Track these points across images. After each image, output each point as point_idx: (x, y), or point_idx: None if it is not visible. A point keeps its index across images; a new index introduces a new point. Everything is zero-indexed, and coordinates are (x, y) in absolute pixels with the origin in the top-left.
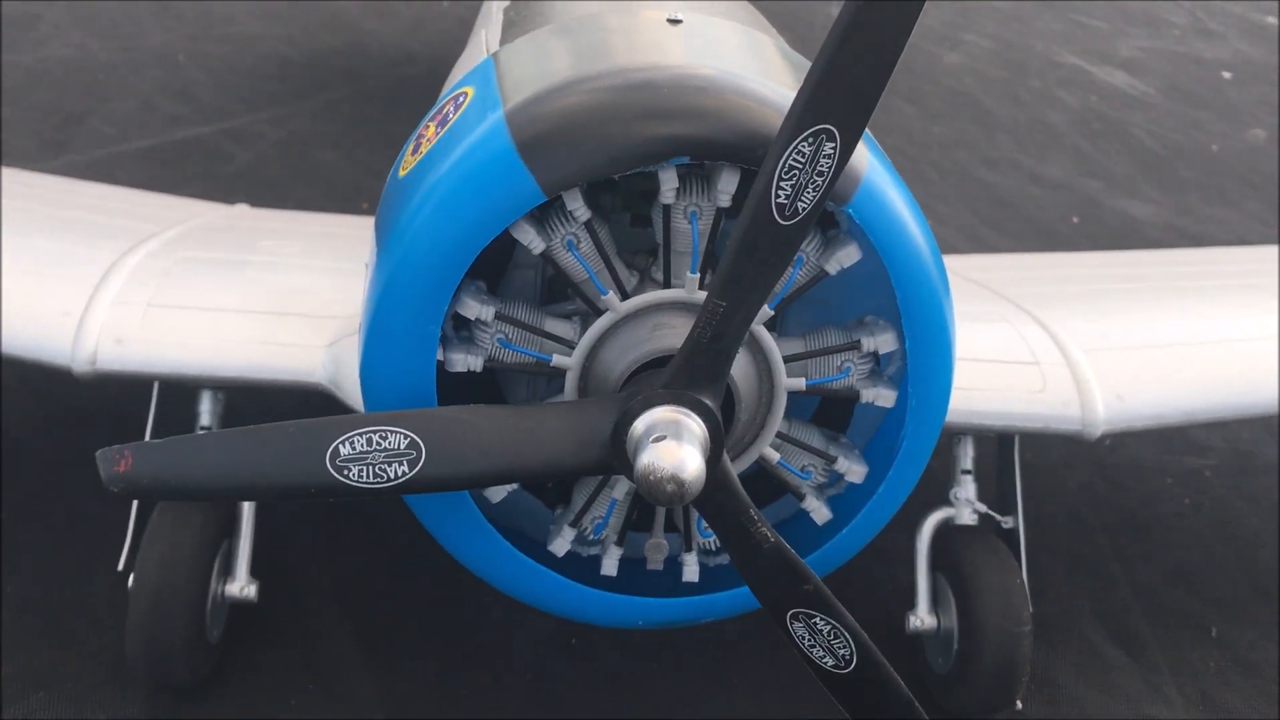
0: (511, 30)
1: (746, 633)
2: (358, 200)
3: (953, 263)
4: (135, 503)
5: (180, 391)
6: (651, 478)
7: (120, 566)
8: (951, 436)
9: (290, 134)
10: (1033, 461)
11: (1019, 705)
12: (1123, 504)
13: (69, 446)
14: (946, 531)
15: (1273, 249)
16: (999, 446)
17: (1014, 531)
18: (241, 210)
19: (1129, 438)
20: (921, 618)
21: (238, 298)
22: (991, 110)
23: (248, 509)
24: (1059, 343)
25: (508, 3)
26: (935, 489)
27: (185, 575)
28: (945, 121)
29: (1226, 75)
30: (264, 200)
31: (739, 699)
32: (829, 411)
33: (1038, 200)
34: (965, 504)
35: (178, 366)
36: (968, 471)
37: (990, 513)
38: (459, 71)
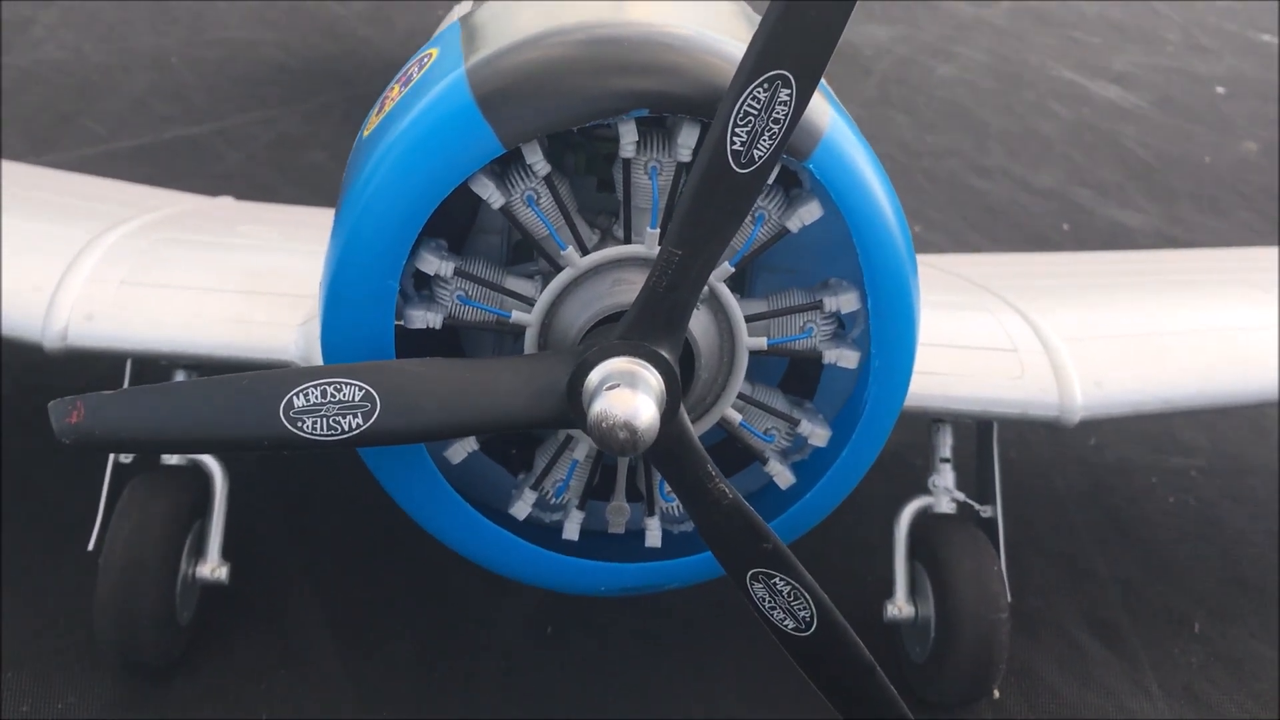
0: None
1: (722, 624)
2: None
3: (938, 260)
4: (107, 481)
5: (155, 372)
6: (604, 424)
7: (90, 547)
8: (930, 424)
9: (281, 135)
10: (1019, 460)
11: (996, 694)
12: (1109, 503)
13: (41, 432)
14: (925, 520)
15: (1260, 249)
16: (978, 435)
17: (993, 520)
18: (225, 201)
19: (1116, 439)
20: (899, 606)
21: (212, 277)
22: (985, 121)
23: (220, 487)
24: (1038, 331)
25: None
26: (914, 478)
27: (155, 555)
28: (938, 131)
29: (1220, 90)
30: (253, 197)
31: (714, 688)
32: (795, 379)
33: (1028, 208)
34: (944, 492)
35: (149, 343)
36: (946, 460)
37: (969, 501)
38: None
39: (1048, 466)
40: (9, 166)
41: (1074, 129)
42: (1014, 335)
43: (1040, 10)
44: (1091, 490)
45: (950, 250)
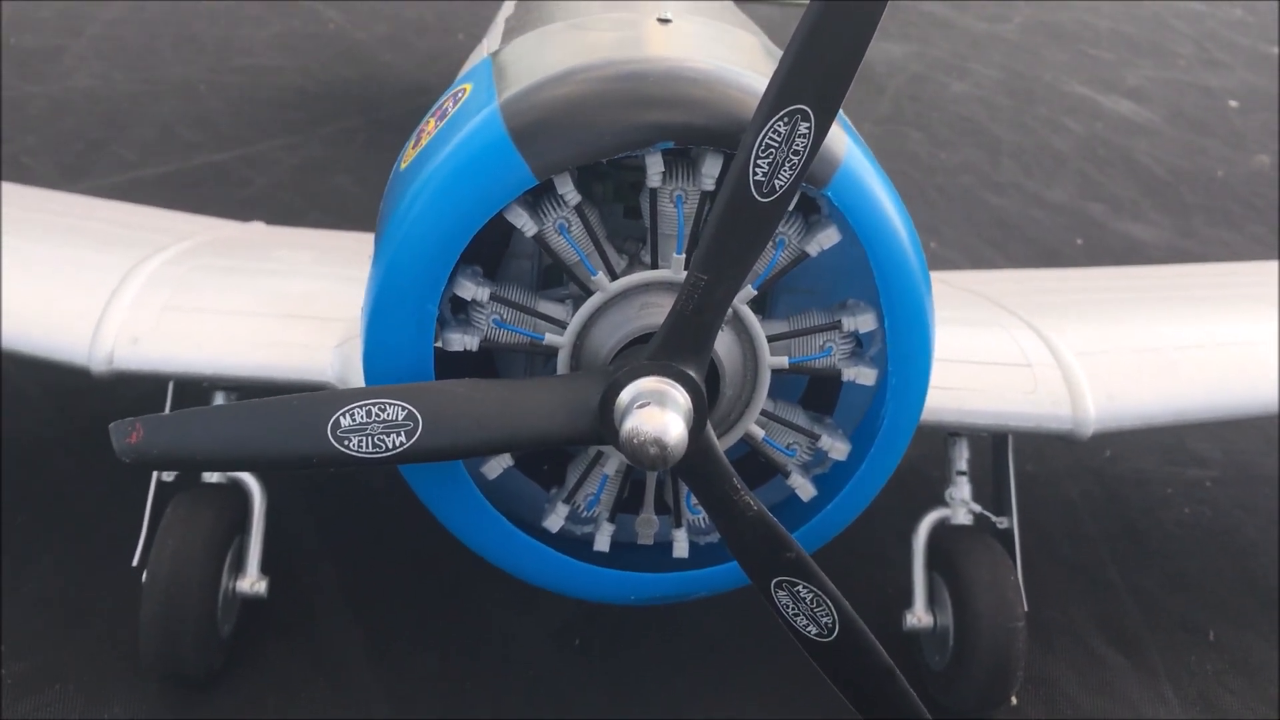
0: (511, 35)
1: (746, 638)
2: (370, 222)
3: (953, 277)
4: (150, 499)
5: (195, 394)
6: (635, 441)
7: (135, 562)
8: (946, 438)
9: (306, 160)
10: (1035, 472)
11: (1014, 701)
12: (1123, 514)
13: (87, 451)
14: (942, 531)
15: (1269, 263)
16: (994, 448)
17: (1009, 531)
18: (257, 226)
19: (1131, 451)
20: (918, 616)
21: (250, 302)
22: (998, 137)
23: (258, 505)
24: (1051, 346)
25: (510, 10)
26: (932, 491)
27: (197, 571)
28: (952, 148)
29: (1233, 104)
30: (280, 222)
31: (738, 698)
32: (816, 396)
33: (1041, 223)
34: (961, 504)
35: (191, 366)
36: (963, 473)
37: (985, 513)
38: (467, 65)
39: (1063, 479)
40: (49, 195)
41: (1087, 144)
42: (1028, 350)
43: (1053, 26)
44: (1107, 502)
45: (964, 265)
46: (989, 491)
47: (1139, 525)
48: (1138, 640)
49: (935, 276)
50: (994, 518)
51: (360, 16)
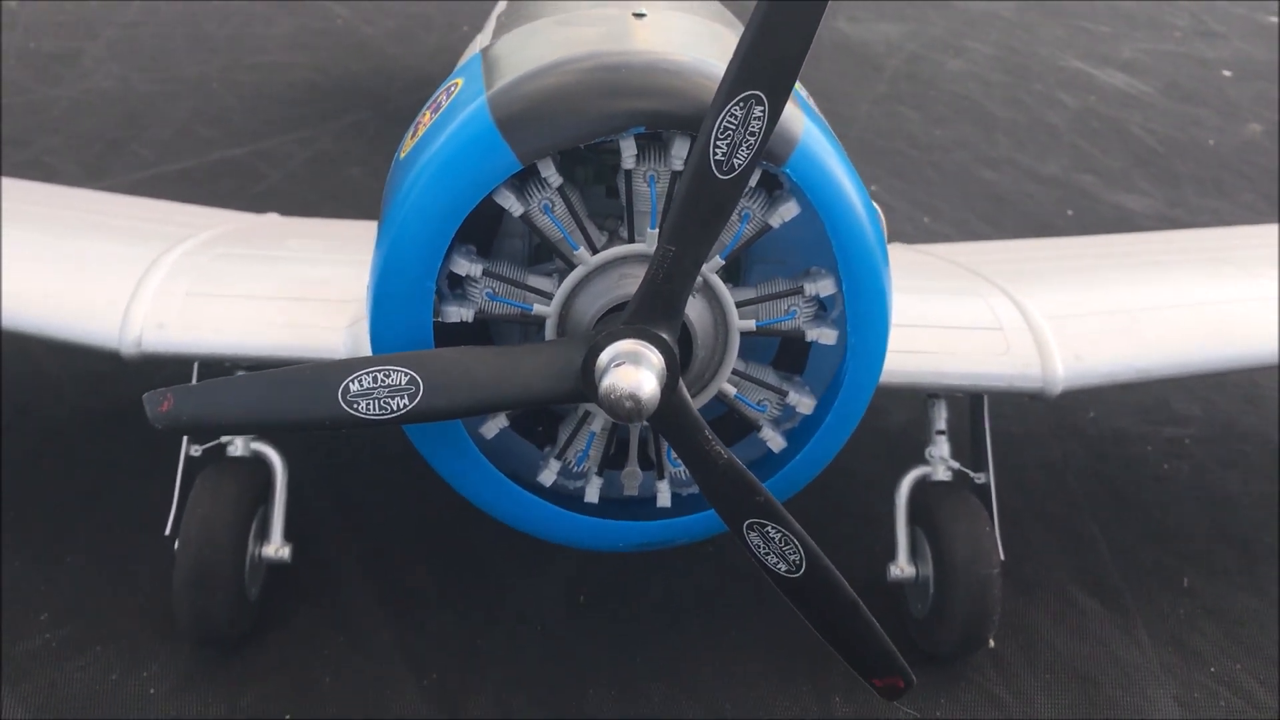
0: (501, 31)
1: (740, 588)
2: (380, 212)
3: (938, 249)
4: (180, 473)
5: (218, 374)
6: (613, 396)
7: (167, 532)
8: (926, 399)
9: (318, 153)
10: (1020, 434)
11: (992, 644)
12: (1104, 471)
13: (119, 432)
14: (923, 488)
15: (1237, 229)
16: (970, 408)
17: (985, 486)
18: (272, 218)
19: (1113, 411)
20: (901, 567)
21: (267, 287)
22: (993, 113)
23: (280, 476)
24: (1023, 311)
25: (503, 7)
26: (913, 450)
27: (225, 539)
28: (947, 125)
29: (1227, 74)
30: (295, 213)
31: (734, 645)
32: (788, 357)
33: (1034, 196)
34: (940, 462)
35: (214, 348)
36: (942, 432)
37: (964, 469)
38: (462, 61)
39: (1048, 439)
40: (77, 193)
41: (1080, 118)
42: (1001, 315)
43: (1049, 2)
44: (1089, 460)
45: (958, 239)
46: (969, 450)
47: (1119, 482)
48: (1114, 589)
49: (920, 249)
50: (972, 474)
51: (368, 12)
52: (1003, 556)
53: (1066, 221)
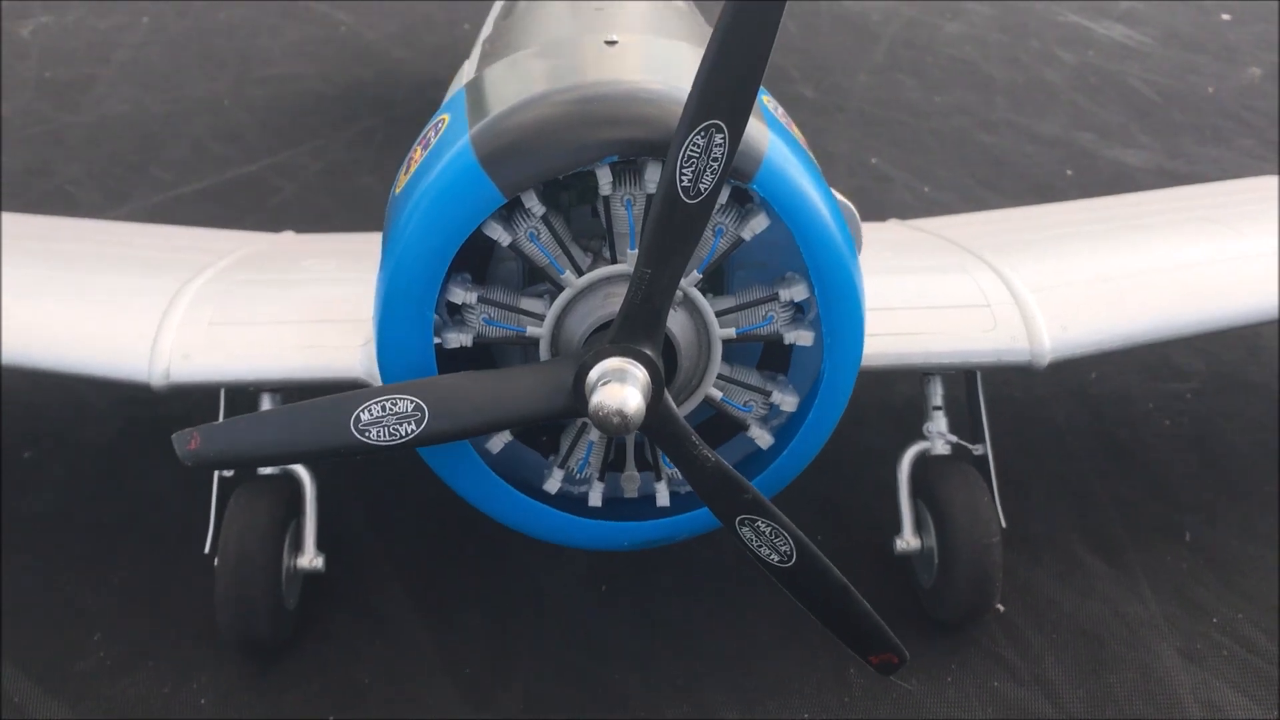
0: (485, 61)
1: (753, 574)
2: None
3: (928, 223)
4: (214, 494)
5: (244, 397)
6: (601, 413)
7: (206, 549)
8: (922, 378)
9: (330, 164)
10: (1023, 399)
11: (1000, 608)
12: (1107, 431)
13: (156, 454)
14: (923, 462)
15: (1221, 184)
16: (965, 382)
17: (984, 457)
18: (287, 236)
19: (1115, 370)
20: (907, 540)
21: (284, 311)
22: (991, 75)
23: (309, 490)
24: (1010, 285)
25: (489, 30)
26: (919, 422)
27: (261, 551)
28: (945, 90)
29: (1226, 17)
30: (310, 226)
31: (750, 630)
32: (772, 357)
33: (1033, 157)
34: (938, 436)
35: (238, 374)
36: (939, 408)
37: (961, 443)
38: (450, 93)
39: (1050, 402)
40: (97, 225)
41: (1079, 73)
42: (988, 291)
43: None
44: (1092, 420)
45: (958, 206)
46: (968, 422)
47: (1121, 440)
48: (1118, 546)
49: (914, 225)
50: (970, 446)
51: (369, 16)
52: (1004, 524)
53: (1066, 182)
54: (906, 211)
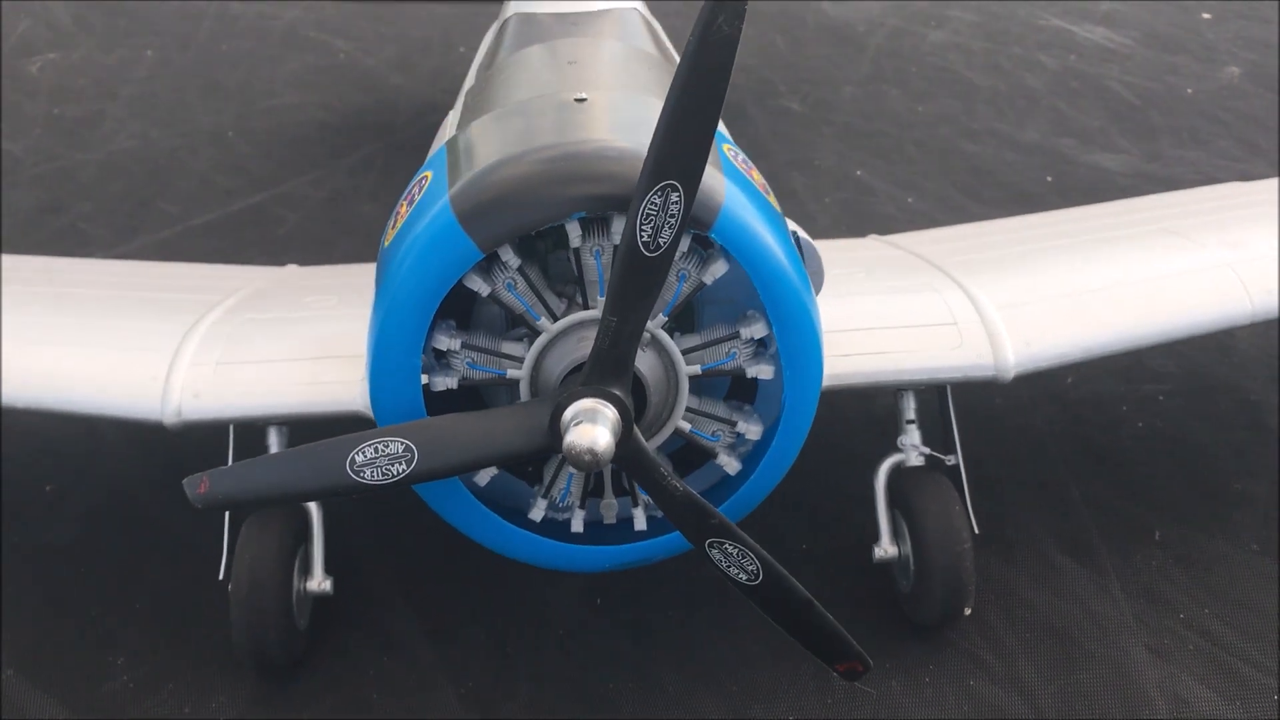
0: (466, 115)
1: (736, 594)
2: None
3: (904, 240)
4: (227, 523)
5: (252, 431)
6: (573, 452)
7: (220, 576)
8: (896, 393)
9: (332, 192)
10: (1002, 405)
11: (968, 611)
12: (1083, 434)
13: (170, 486)
14: (898, 473)
15: (1183, 193)
16: (937, 398)
17: (956, 467)
18: (290, 270)
19: (1091, 374)
20: (885, 548)
21: (288, 349)
22: (973, 83)
23: (316, 518)
24: (976, 303)
25: (471, 81)
26: (895, 437)
27: (272, 576)
28: (929, 100)
29: (1206, 16)
30: (314, 253)
31: (738, 639)
32: (740, 389)
33: (1013, 165)
34: (912, 449)
35: (245, 410)
36: (912, 421)
37: (935, 454)
38: (439, 139)
39: (1028, 407)
40: (107, 265)
41: (1060, 78)
42: (955, 309)
43: None
44: (1068, 425)
45: (939, 216)
46: (941, 434)
47: (1097, 443)
48: (1090, 547)
49: (890, 241)
50: (943, 457)
51: (367, 43)
52: (976, 530)
53: (1045, 188)
54: (890, 223)
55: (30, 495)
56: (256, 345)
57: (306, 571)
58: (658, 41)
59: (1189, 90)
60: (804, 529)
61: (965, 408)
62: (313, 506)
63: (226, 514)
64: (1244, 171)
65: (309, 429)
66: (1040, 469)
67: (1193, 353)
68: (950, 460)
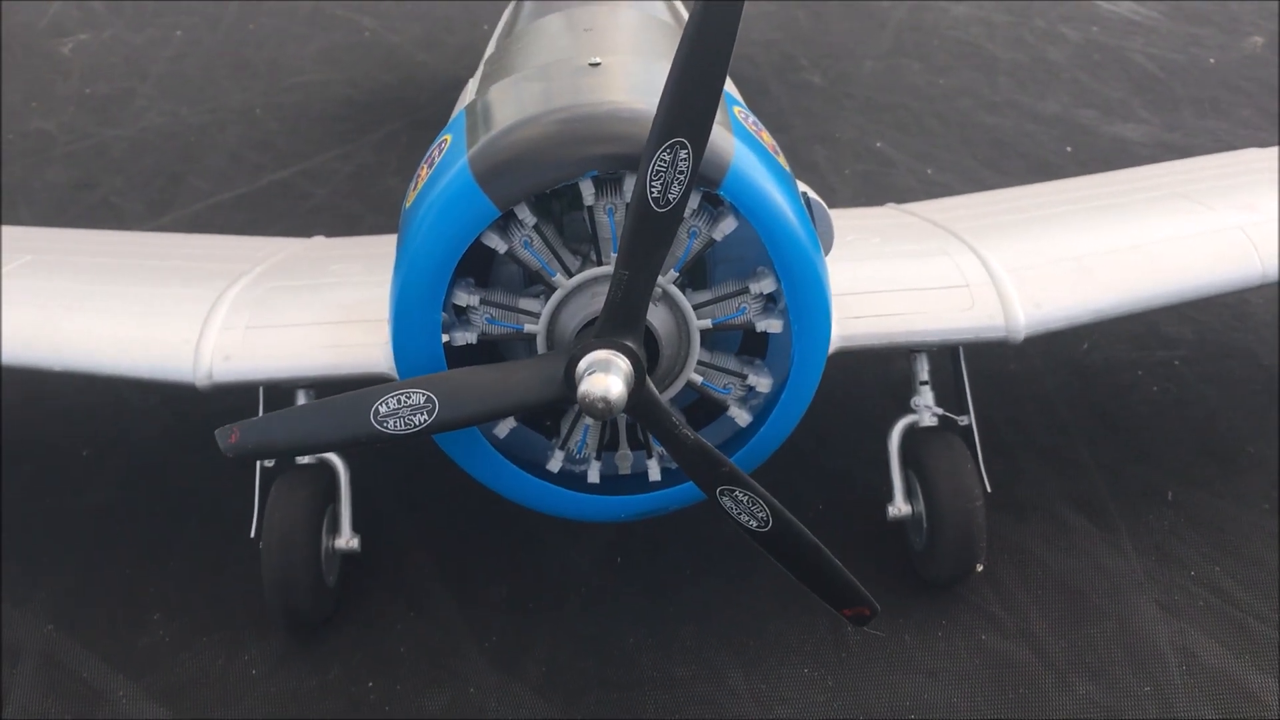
0: (485, 81)
1: (752, 552)
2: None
3: (920, 208)
4: (258, 483)
5: (281, 392)
6: (586, 400)
7: (252, 534)
8: (909, 355)
9: (359, 167)
10: (1017, 370)
11: (980, 568)
12: (1096, 399)
13: (203, 448)
14: (912, 433)
15: (1200, 159)
16: (951, 359)
17: (969, 427)
18: (318, 240)
19: (1106, 340)
20: (898, 507)
21: (315, 314)
22: (995, 55)
23: (344, 478)
24: (988, 266)
25: (492, 49)
26: (903, 403)
27: (302, 534)
28: (950, 73)
29: None
30: (340, 227)
31: (752, 594)
32: (753, 343)
33: (1034, 136)
34: (925, 409)
35: (274, 373)
36: (925, 382)
37: (948, 414)
38: (460, 104)
39: (1043, 374)
40: (139, 237)
41: (1082, 50)
42: (967, 272)
43: None
44: (1082, 389)
45: (959, 187)
46: (954, 395)
47: (1109, 408)
48: (1102, 507)
49: (907, 209)
50: (956, 417)
51: (393, 20)
52: (988, 489)
53: (1065, 159)
54: (909, 194)
55: (68, 459)
56: (284, 311)
57: (335, 530)
58: (672, 9)
59: (1211, 60)
60: (820, 489)
61: (980, 372)
62: (340, 467)
63: (258, 475)
64: (1264, 140)
65: (335, 391)
66: (1053, 432)
67: (1207, 319)
68: (963, 420)
